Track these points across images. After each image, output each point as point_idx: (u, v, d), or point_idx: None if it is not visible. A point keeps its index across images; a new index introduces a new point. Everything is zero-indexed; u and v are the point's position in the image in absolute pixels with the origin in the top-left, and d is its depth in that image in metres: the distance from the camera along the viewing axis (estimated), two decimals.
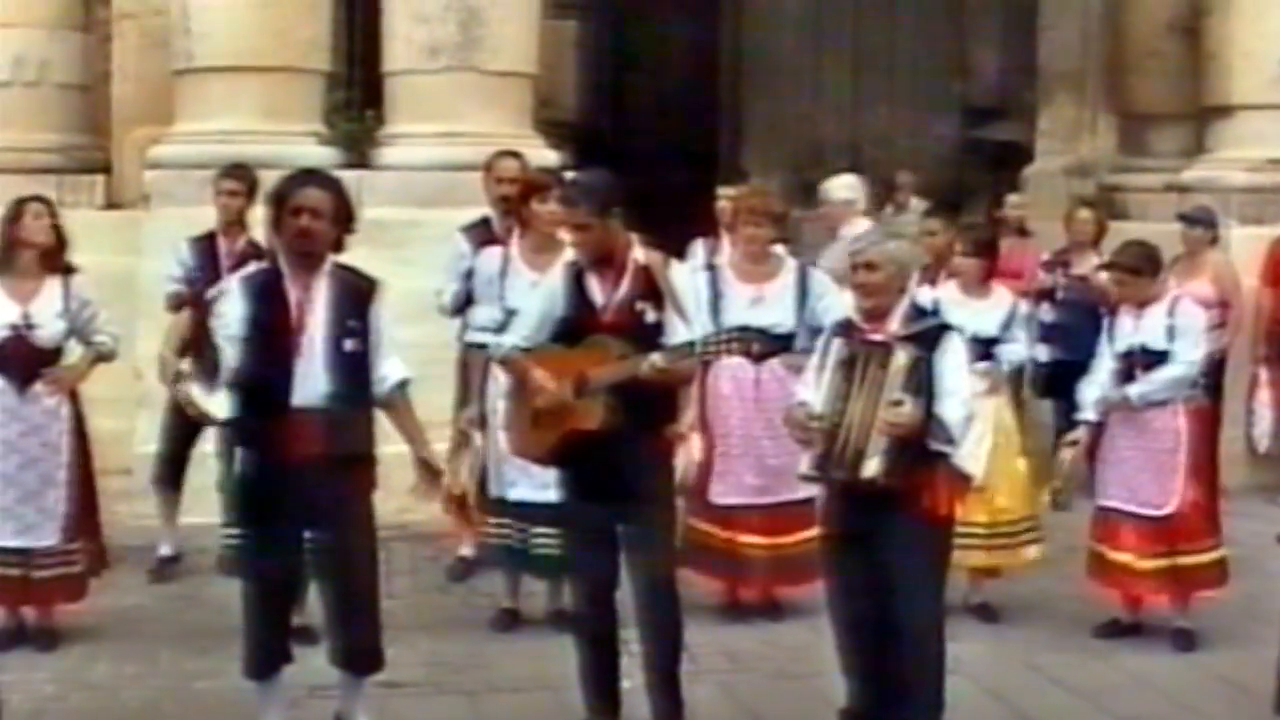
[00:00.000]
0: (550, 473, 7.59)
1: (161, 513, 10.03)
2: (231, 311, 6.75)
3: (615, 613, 7.12)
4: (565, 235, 8.56)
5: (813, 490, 8.39)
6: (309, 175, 7.06)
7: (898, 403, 6.45)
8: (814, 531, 8.71)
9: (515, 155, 9.80)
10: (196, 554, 9.69)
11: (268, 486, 6.76)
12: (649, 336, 6.91)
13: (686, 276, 7.32)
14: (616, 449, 6.82)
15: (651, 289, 6.99)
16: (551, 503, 8.14)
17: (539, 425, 7.04)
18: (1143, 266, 8.84)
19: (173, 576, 9.79)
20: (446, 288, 9.43)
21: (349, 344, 6.78)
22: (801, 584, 8.85)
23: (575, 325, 7.01)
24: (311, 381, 6.70)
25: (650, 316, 6.96)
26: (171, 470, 9.91)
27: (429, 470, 7.03)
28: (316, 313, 6.76)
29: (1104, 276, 9.56)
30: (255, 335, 6.72)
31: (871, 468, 6.47)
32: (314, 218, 6.76)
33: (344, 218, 6.89)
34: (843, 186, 9.97)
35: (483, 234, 9.47)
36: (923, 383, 6.50)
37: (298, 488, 6.66)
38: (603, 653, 7.11)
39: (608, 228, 7.02)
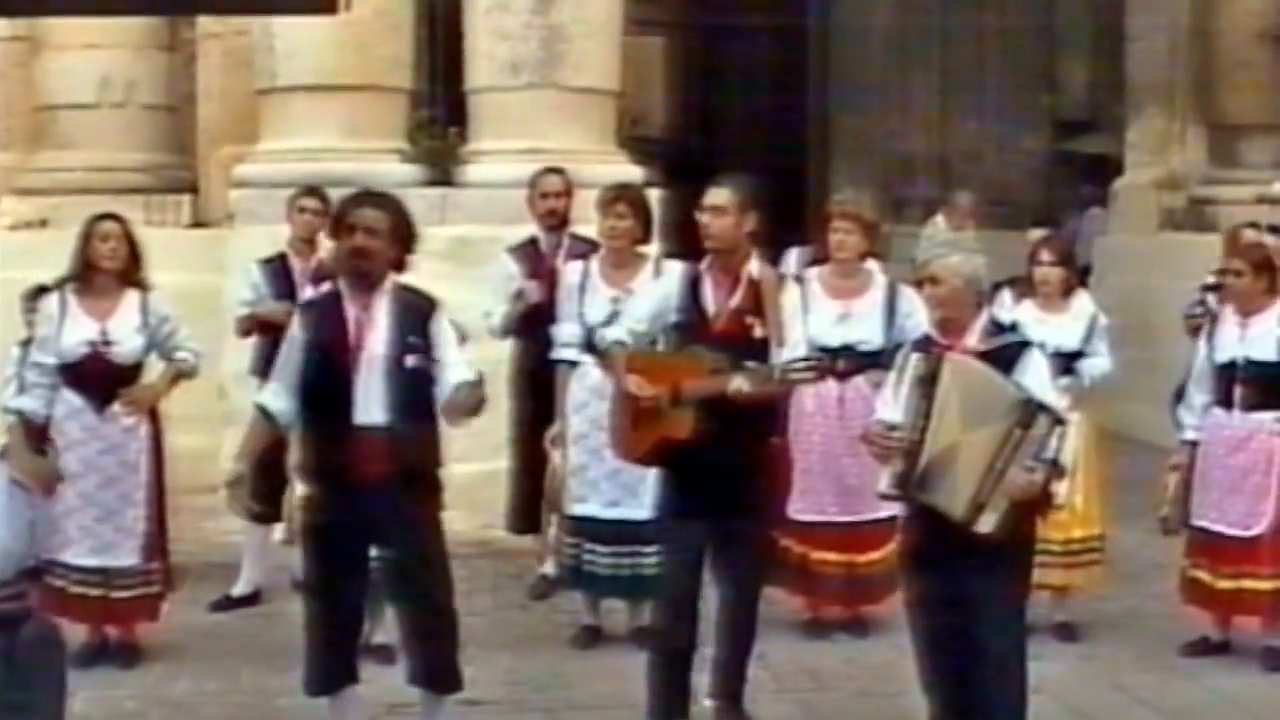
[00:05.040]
0: (618, 491, 7.58)
1: (248, 545, 9.72)
2: (292, 333, 6.83)
3: (697, 628, 7.11)
4: (643, 249, 8.61)
5: (893, 509, 8.34)
6: (366, 195, 7.06)
7: (1031, 469, 6.35)
8: (890, 549, 8.69)
9: (558, 171, 9.81)
10: (276, 571, 9.65)
11: (331, 506, 6.77)
12: (754, 351, 6.93)
13: (795, 301, 7.27)
14: (713, 462, 6.83)
15: (759, 304, 6.98)
16: (614, 519, 8.20)
17: (638, 426, 7.05)
18: (1261, 265, 8.71)
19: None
20: (495, 310, 9.42)
21: (411, 360, 6.73)
22: (877, 602, 8.85)
23: (686, 332, 7.04)
24: (372, 400, 6.68)
25: (758, 332, 6.97)
26: (264, 493, 8.89)
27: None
28: (376, 330, 6.75)
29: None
30: (314, 355, 6.76)
31: (989, 524, 6.35)
32: (369, 236, 6.76)
33: (404, 237, 6.87)
34: None
35: (530, 254, 9.49)
36: (1053, 446, 6.41)
37: (362, 507, 6.66)
38: (676, 667, 7.10)
39: (740, 224, 7.02)
